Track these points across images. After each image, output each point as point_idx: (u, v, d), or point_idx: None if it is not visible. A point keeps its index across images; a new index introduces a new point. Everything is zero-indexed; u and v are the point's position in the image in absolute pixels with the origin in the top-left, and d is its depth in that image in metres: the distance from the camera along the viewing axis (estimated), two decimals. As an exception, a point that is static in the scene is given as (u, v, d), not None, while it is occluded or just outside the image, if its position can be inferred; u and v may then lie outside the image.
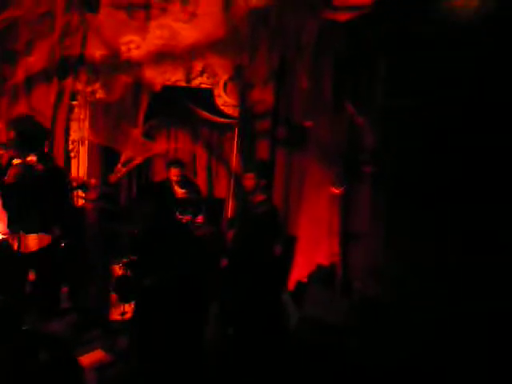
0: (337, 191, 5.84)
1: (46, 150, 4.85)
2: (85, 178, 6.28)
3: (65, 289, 5.59)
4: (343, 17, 5.44)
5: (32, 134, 4.48)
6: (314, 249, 5.83)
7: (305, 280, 5.60)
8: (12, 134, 4.53)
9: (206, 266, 4.29)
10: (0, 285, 4.44)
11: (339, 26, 5.50)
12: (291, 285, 5.67)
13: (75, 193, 5.97)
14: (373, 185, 5.68)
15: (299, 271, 5.76)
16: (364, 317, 4.83)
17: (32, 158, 4.46)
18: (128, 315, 5.34)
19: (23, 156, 4.48)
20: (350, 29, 5.50)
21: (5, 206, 4.59)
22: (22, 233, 4.49)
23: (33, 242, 4.54)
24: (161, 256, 3.82)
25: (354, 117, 5.73)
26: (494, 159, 5.06)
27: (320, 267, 5.65)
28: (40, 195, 4.42)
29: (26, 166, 4.44)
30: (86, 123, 6.52)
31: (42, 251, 4.52)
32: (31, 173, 4.42)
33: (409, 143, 5.42)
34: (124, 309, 5.36)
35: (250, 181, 4.95)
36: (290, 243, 5.94)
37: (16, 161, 4.53)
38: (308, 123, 5.95)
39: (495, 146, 5.04)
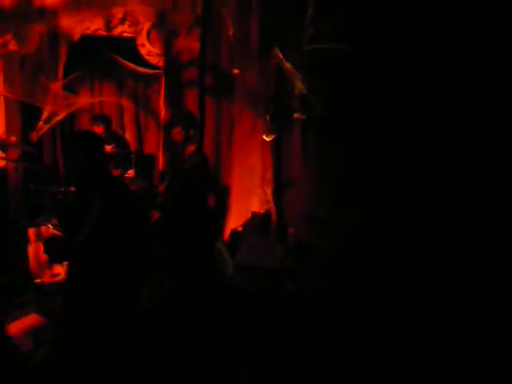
0: (268, 139, 5.82)
1: None
2: (3, 137, 5.93)
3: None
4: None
5: None
6: (247, 198, 5.82)
7: (240, 229, 5.62)
8: None
9: (140, 223, 4.18)
10: None
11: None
12: (226, 235, 5.68)
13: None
14: (303, 131, 5.69)
15: (234, 221, 5.77)
16: (299, 261, 4.92)
17: None
18: (61, 277, 5.23)
19: None
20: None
21: None
22: None
23: None
24: (93, 211, 3.65)
25: (281, 63, 5.66)
26: (424, 103, 5.13)
27: (254, 215, 5.66)
28: None
29: None
30: (0, 78, 6.10)
31: None
32: None
33: (338, 88, 5.43)
34: (56, 270, 5.24)
35: (177, 135, 4.84)
36: (223, 193, 5.92)
37: None
38: (236, 70, 5.83)
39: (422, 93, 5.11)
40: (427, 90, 5.00)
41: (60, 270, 5.24)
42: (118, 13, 5.93)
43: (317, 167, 5.67)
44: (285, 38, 5.70)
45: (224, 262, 4.87)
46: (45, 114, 6.04)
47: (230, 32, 5.71)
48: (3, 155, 5.67)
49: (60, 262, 5.09)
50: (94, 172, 3.39)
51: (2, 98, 6.09)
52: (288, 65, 5.67)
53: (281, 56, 5.69)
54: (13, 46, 6.01)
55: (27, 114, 6.24)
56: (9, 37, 5.97)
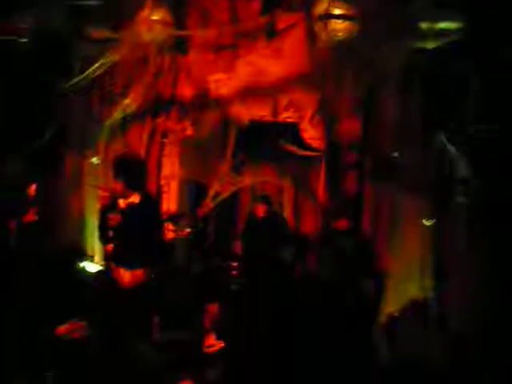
0: (428, 223, 5.63)
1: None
2: (176, 212, 6.46)
3: (156, 321, 5.73)
4: (431, 44, 5.34)
5: (138, 173, 4.57)
6: (405, 283, 5.60)
7: (397, 315, 5.38)
8: (116, 174, 4.58)
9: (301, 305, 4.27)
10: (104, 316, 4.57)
11: (427, 53, 5.40)
12: (383, 320, 5.46)
13: (165, 226, 6.13)
14: (467, 215, 5.42)
15: (391, 307, 5.55)
16: (462, 354, 4.54)
17: (135, 198, 4.54)
18: (215, 348, 5.37)
19: (129, 193, 4.54)
20: (438, 56, 5.38)
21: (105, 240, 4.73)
22: (121, 267, 4.58)
23: (129, 277, 4.60)
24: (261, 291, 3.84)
25: (444, 146, 5.54)
26: None
27: (413, 302, 5.41)
28: (142, 231, 4.48)
29: (131, 207, 4.51)
30: (177, 159, 6.77)
31: (138, 288, 4.57)
32: (135, 211, 4.48)
33: (506, 172, 5.16)
34: (211, 341, 5.39)
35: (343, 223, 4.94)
36: (380, 278, 5.75)
37: (122, 201, 4.60)
38: (396, 153, 5.81)
39: None
40: None
41: (214, 342, 5.39)
42: (284, 100, 6.34)
43: (483, 255, 5.31)
44: (447, 120, 5.61)
45: (381, 349, 4.66)
46: (211, 193, 6.50)
47: (391, 115, 5.76)
48: (173, 228, 6.14)
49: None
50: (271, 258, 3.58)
51: (177, 177, 6.71)
52: (451, 148, 5.54)
53: (443, 139, 5.59)
54: (190, 132, 6.68)
55: (196, 191, 6.78)
56: (187, 123, 6.66)
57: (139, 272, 4.52)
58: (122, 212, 4.48)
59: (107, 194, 4.48)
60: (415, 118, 5.73)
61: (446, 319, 5.26)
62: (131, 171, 4.46)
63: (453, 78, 5.47)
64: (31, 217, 5.43)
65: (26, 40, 6.28)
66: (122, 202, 4.52)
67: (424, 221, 5.68)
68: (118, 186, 4.44)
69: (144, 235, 4.42)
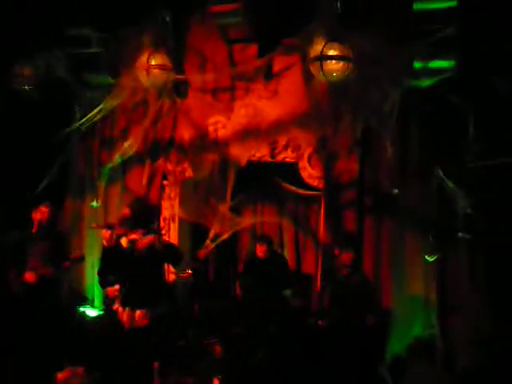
0: (430, 259, 5.60)
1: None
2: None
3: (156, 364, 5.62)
4: (426, 82, 5.43)
5: (144, 214, 4.69)
6: (409, 321, 5.53)
7: (402, 353, 5.28)
8: (123, 214, 4.75)
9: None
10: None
11: (422, 91, 5.48)
12: (388, 359, 5.35)
13: (166, 268, 6.09)
14: (469, 251, 5.39)
15: (396, 345, 5.45)
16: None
17: (136, 236, 4.63)
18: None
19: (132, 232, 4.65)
20: (433, 93, 5.45)
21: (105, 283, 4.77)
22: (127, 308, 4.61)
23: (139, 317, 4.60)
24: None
25: (443, 181, 5.56)
26: None
27: (418, 340, 5.32)
28: (150, 270, 4.55)
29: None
30: (176, 201, 6.79)
31: (148, 328, 4.58)
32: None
33: (507, 205, 5.17)
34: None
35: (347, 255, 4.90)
36: (384, 316, 5.68)
37: (124, 240, 4.68)
38: (395, 191, 5.82)
39: None
40: None
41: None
42: (282, 140, 6.39)
43: (487, 290, 5.26)
44: (445, 156, 5.64)
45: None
46: (211, 233, 6.47)
47: (389, 153, 5.78)
48: (175, 270, 6.10)
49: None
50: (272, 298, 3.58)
51: (176, 219, 6.71)
52: (450, 183, 5.56)
53: (442, 174, 5.61)
54: (188, 173, 6.73)
55: (195, 232, 6.77)
56: (186, 165, 6.72)
57: (143, 312, 4.52)
58: (126, 252, 4.55)
59: (108, 236, 4.52)
60: (413, 154, 5.78)
61: (451, 356, 5.17)
62: (138, 209, 4.61)
63: (448, 115, 5.54)
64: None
65: (28, 88, 6.38)
66: (124, 241, 4.60)
67: (426, 256, 5.65)
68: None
69: (150, 274, 4.47)
